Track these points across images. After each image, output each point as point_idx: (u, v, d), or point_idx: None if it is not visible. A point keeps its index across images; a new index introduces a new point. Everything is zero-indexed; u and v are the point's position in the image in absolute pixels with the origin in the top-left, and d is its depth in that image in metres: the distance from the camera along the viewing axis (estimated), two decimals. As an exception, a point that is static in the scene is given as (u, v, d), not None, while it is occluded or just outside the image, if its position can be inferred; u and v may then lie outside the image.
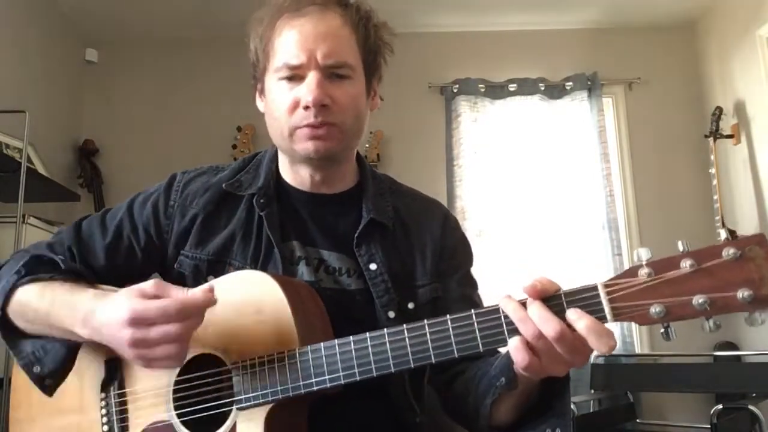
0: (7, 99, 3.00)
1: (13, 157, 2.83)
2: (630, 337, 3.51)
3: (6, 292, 0.92)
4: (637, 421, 3.30)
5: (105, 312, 0.82)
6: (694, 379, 3.13)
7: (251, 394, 0.85)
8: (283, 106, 0.96)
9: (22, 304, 0.92)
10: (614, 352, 3.44)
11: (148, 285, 0.81)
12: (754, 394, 2.81)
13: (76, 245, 1.02)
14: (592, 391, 3.25)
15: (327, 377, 0.81)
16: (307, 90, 0.93)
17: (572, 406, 2.78)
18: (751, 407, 2.58)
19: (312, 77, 0.94)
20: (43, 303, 0.90)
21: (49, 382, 0.92)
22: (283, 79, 0.96)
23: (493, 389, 0.85)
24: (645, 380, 3.28)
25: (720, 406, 2.58)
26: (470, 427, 0.95)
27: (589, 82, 3.78)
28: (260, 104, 1.06)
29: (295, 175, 1.05)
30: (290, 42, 0.95)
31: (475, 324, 0.76)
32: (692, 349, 3.21)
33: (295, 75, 0.95)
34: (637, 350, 3.54)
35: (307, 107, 0.93)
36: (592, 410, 3.21)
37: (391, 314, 0.97)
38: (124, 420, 0.94)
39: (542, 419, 0.83)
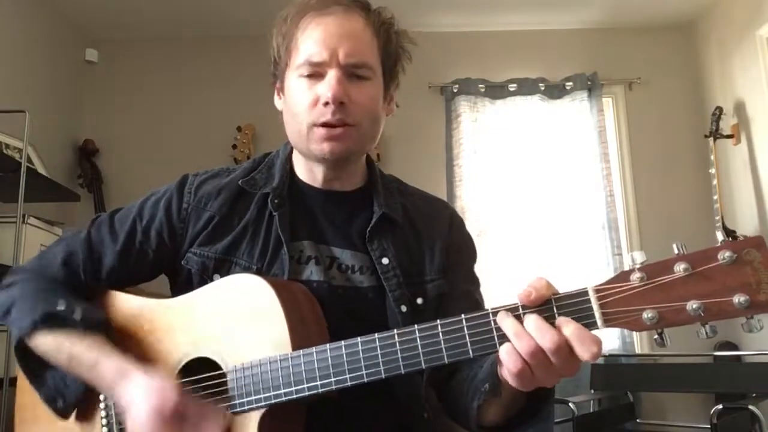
0: (7, 99, 3.01)
1: (13, 157, 2.84)
2: (630, 337, 3.51)
3: (26, 331, 0.94)
4: (637, 421, 3.30)
5: (129, 395, 0.86)
6: (694, 379, 3.13)
7: (245, 399, 0.85)
8: (303, 103, 0.96)
9: (39, 352, 0.95)
10: (614, 352, 3.45)
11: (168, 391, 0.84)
12: (754, 394, 2.81)
13: (89, 259, 1.02)
14: (592, 391, 3.26)
15: (316, 383, 0.81)
16: (327, 86, 0.94)
17: (572, 406, 2.79)
18: (751, 407, 2.57)
19: (332, 75, 0.94)
20: (60, 357, 0.93)
21: (72, 410, 0.96)
22: (304, 76, 0.96)
23: (479, 393, 0.85)
24: (645, 380, 3.29)
25: (720, 406, 2.58)
26: (464, 425, 0.95)
27: (589, 82, 3.78)
28: (278, 102, 1.06)
29: (309, 173, 1.05)
30: (313, 39, 0.95)
31: (466, 330, 0.74)
32: (692, 349, 3.20)
33: (316, 72, 0.95)
34: (637, 350, 3.54)
35: (326, 103, 0.93)
36: (592, 410, 3.20)
37: (404, 308, 0.97)
38: (122, 422, 0.94)
39: (528, 423, 0.83)
